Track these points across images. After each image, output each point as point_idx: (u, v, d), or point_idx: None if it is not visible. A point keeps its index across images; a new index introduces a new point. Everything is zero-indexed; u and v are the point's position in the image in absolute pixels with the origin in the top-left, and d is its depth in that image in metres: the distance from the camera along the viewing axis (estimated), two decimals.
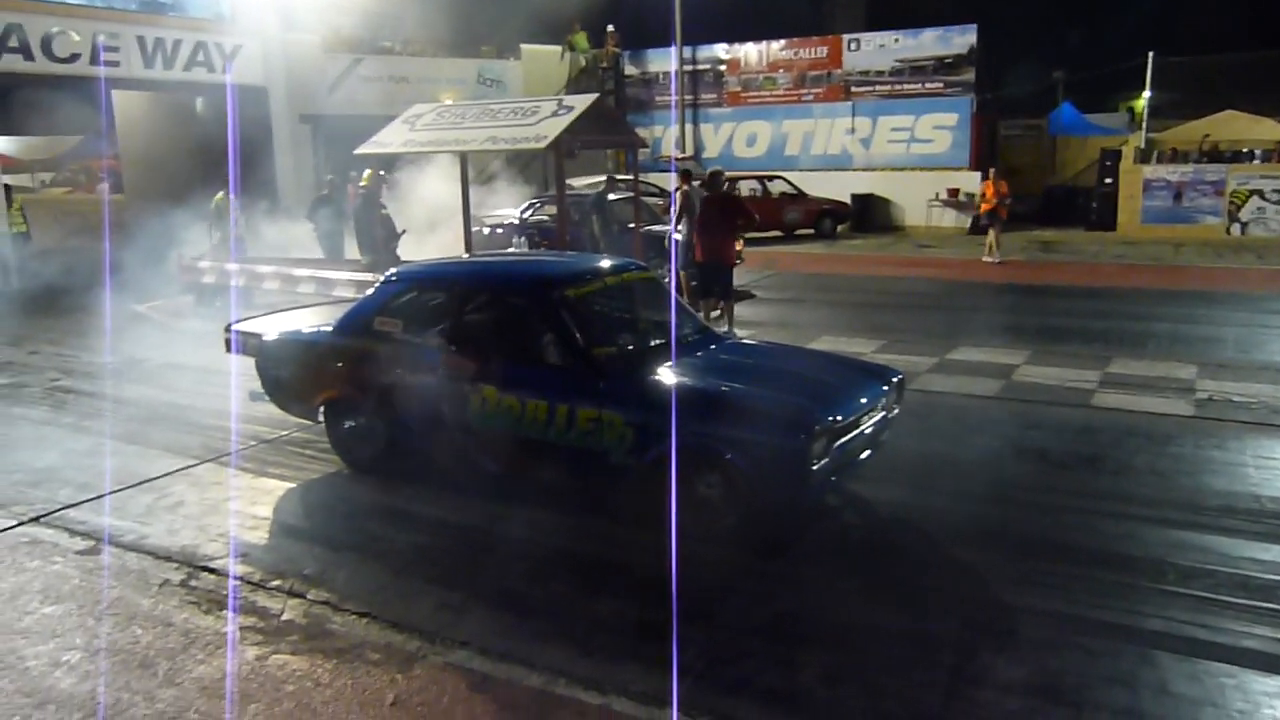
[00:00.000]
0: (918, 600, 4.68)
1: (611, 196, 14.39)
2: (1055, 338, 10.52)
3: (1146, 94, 21.40)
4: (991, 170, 17.60)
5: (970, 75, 22.85)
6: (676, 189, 11.96)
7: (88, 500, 6.19)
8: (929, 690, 3.91)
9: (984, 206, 17.34)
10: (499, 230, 15.84)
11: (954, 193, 22.64)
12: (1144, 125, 21.36)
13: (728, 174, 21.97)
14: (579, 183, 17.31)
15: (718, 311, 10.93)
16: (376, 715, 3.81)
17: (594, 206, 13.62)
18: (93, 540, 5.57)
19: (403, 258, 12.45)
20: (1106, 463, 6.59)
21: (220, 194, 13.96)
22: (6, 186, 15.65)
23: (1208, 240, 19.29)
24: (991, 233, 17.08)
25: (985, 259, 17.05)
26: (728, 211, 10.87)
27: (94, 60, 17.27)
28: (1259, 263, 16.57)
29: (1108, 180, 21.18)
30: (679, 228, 11.66)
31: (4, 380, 9.68)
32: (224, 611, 4.69)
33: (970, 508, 5.80)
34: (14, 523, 5.84)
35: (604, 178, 16.96)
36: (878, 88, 23.97)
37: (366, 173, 14.20)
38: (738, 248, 11.61)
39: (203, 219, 13.78)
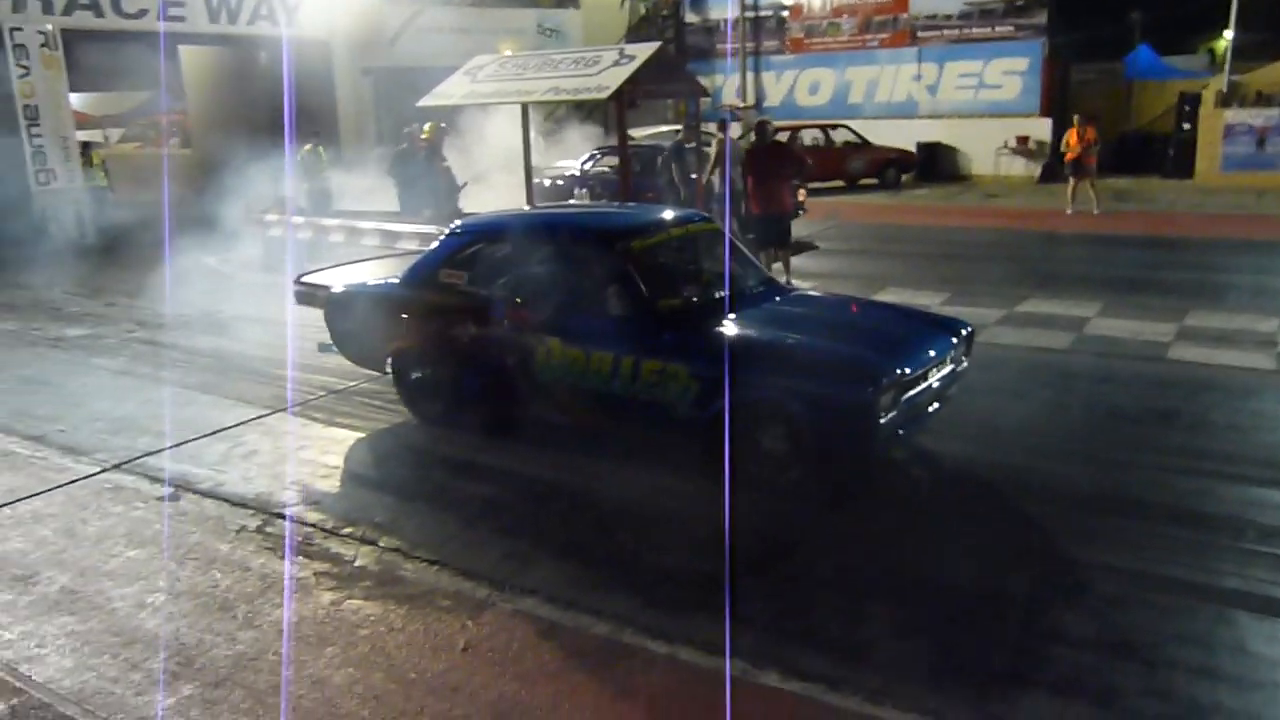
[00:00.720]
0: (986, 555, 4.63)
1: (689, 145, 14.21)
2: (1129, 289, 10.23)
3: (1229, 34, 20.50)
4: (1076, 117, 16.52)
5: (1042, 18, 22.04)
6: (715, 138, 12.01)
7: (166, 448, 6.37)
8: (999, 645, 3.89)
9: (1069, 155, 16.26)
10: (559, 182, 15.80)
11: (1023, 140, 22.00)
12: (1226, 67, 20.48)
13: (791, 124, 21.78)
14: (640, 133, 17.17)
15: (778, 263, 10.84)
16: (449, 660, 3.90)
17: (673, 155, 13.50)
18: (172, 487, 5.74)
19: (464, 210, 12.51)
20: (1182, 418, 6.43)
21: (308, 146, 14.27)
22: (84, 143, 15.99)
23: None
24: (1071, 182, 16.26)
25: (1070, 210, 16.15)
26: (779, 160, 10.74)
27: (161, 16, 17.46)
28: None
29: (1186, 125, 20.39)
30: (712, 178, 11.65)
31: (84, 331, 9.97)
32: (299, 557, 4.82)
33: (1040, 463, 5.71)
34: (97, 469, 6.05)
35: (679, 126, 16.72)
36: (945, 32, 23.28)
37: (428, 125, 14.23)
38: (800, 198, 11.48)
39: (270, 173, 13.93)
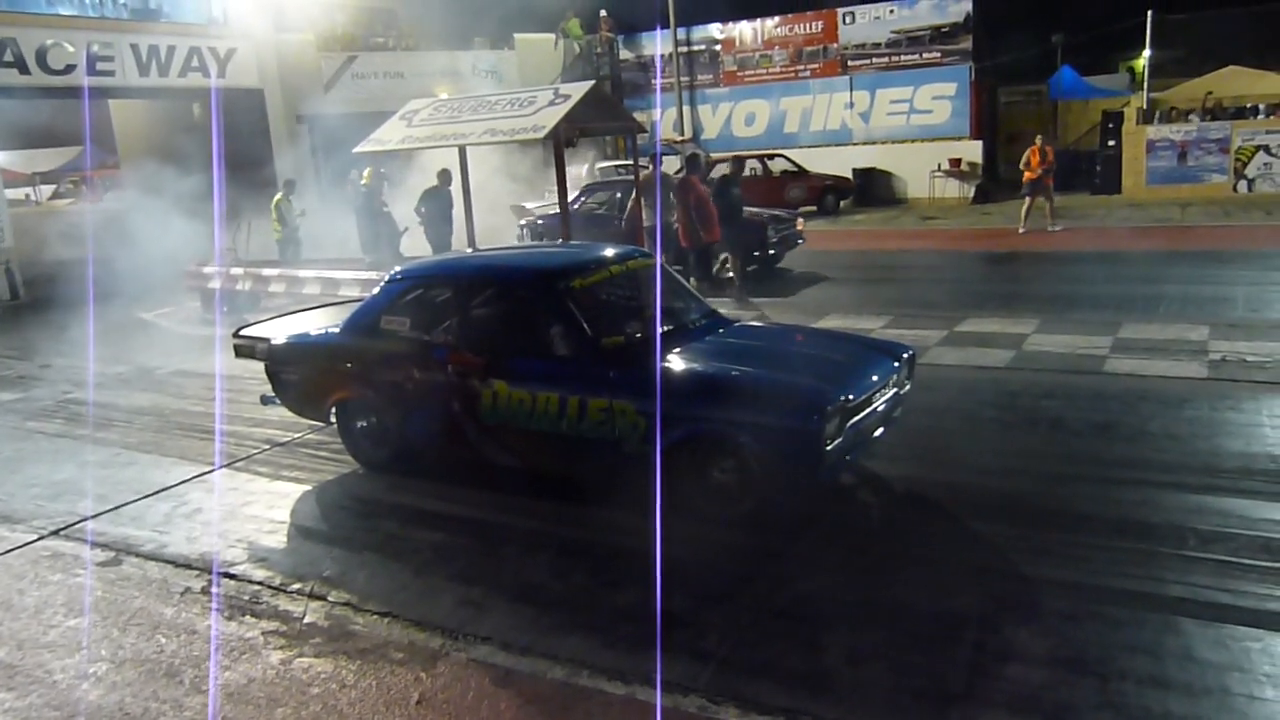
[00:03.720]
0: (938, 576, 4.67)
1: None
2: (1064, 305, 10.46)
3: (1147, 53, 21.19)
4: (1038, 137, 16.71)
5: (968, 43, 22.67)
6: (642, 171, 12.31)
7: (106, 511, 6.21)
8: (954, 666, 3.91)
9: (1028, 175, 16.41)
10: (540, 222, 15.14)
11: (956, 163, 22.50)
12: (1145, 85, 21.16)
13: (729, 155, 22.03)
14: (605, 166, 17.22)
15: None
16: (403, 714, 3.83)
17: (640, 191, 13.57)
18: (113, 551, 5.59)
19: (405, 255, 12.47)
20: (1121, 429, 6.56)
21: (279, 195, 14.29)
22: None
23: (1214, 199, 19.13)
24: (1027, 200, 16.48)
25: (1022, 229, 16.47)
26: (703, 192, 10.98)
27: (89, 70, 17.25)
28: (1267, 219, 16.43)
29: (1111, 143, 20.99)
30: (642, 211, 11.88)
31: (17, 395, 9.72)
32: (246, 617, 4.71)
33: (986, 481, 5.79)
34: (35, 537, 5.87)
35: (619, 162, 16.81)
36: (875, 60, 23.82)
37: (367, 171, 14.19)
38: (799, 227, 11.79)
39: (206, 223, 13.75)
